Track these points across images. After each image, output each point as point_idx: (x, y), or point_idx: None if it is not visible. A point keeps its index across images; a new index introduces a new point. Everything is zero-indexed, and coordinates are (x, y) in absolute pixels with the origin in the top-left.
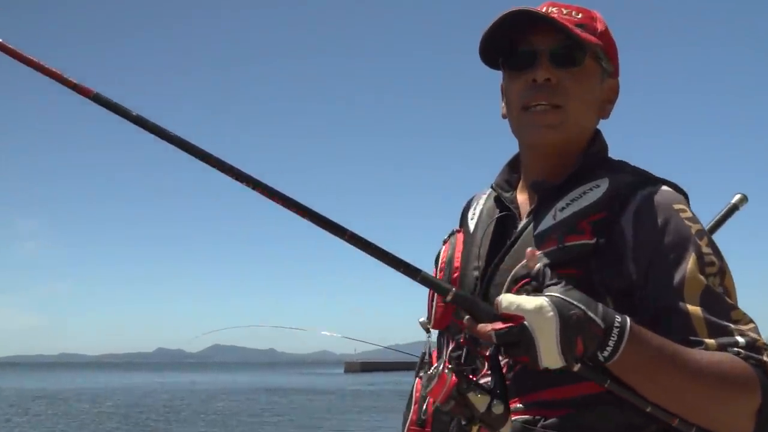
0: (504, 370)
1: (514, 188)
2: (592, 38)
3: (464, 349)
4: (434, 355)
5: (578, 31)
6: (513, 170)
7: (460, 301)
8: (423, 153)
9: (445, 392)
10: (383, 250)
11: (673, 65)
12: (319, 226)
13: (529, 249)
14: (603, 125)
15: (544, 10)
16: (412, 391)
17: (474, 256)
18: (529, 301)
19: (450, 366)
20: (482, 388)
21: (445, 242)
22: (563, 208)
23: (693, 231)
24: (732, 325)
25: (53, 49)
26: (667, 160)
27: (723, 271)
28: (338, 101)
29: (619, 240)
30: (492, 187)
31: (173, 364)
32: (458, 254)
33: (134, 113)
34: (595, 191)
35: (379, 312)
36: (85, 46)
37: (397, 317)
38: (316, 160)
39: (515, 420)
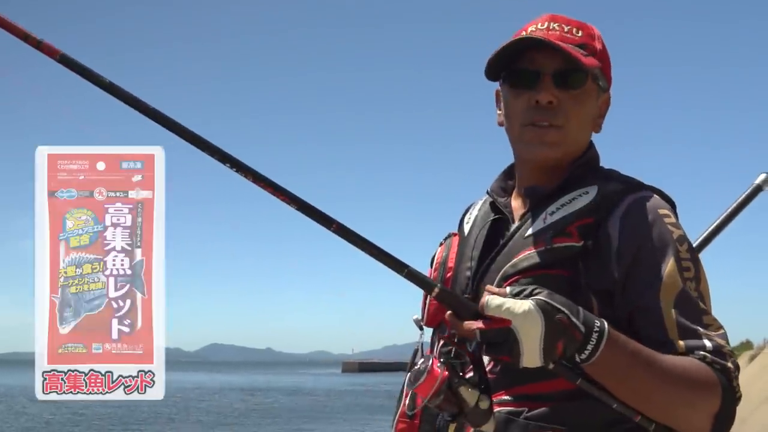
0: (491, 365)
1: (509, 194)
2: (594, 61)
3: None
4: (428, 352)
5: (580, 54)
6: (508, 177)
7: (444, 297)
8: (422, 159)
9: (436, 387)
10: (370, 242)
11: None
12: (305, 214)
13: (488, 286)
14: (597, 136)
15: (545, 25)
16: (403, 387)
17: (467, 257)
18: (516, 305)
19: (442, 360)
20: (471, 383)
21: (441, 244)
22: (553, 213)
23: (675, 236)
24: (702, 329)
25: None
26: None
27: (699, 277)
28: (338, 109)
29: (605, 243)
30: (488, 193)
31: (169, 362)
32: (452, 255)
33: (107, 79)
34: (584, 197)
35: (378, 312)
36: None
37: (395, 317)
38: (315, 166)
39: (500, 411)
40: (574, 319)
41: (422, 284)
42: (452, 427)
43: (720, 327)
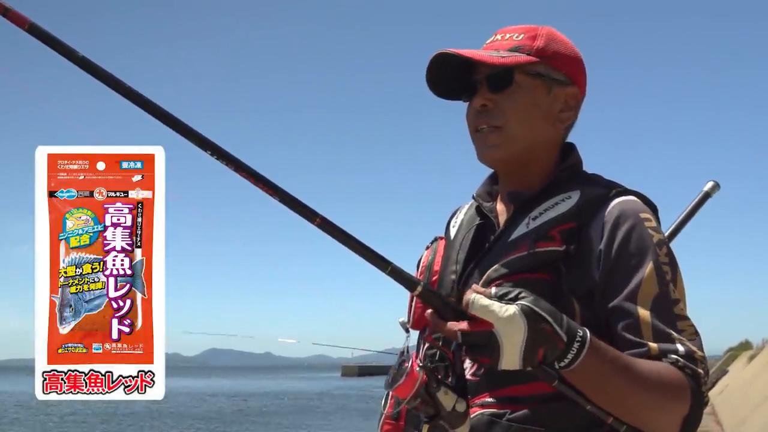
0: (474, 368)
1: (495, 199)
2: (519, 58)
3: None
4: (414, 354)
5: (496, 57)
6: (494, 182)
7: (427, 296)
8: (409, 163)
9: (414, 390)
10: (354, 238)
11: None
12: (289, 207)
13: (473, 285)
14: (582, 140)
15: (491, 38)
16: None
17: (452, 261)
18: (501, 309)
19: (421, 364)
20: (449, 387)
21: (427, 248)
22: (536, 217)
23: (654, 240)
24: (675, 334)
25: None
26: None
27: (676, 281)
28: (326, 111)
29: (587, 247)
30: (473, 197)
31: (168, 367)
32: (438, 259)
33: (79, 53)
34: (566, 202)
35: (378, 314)
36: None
37: (395, 320)
38: (300, 168)
39: (483, 413)
40: (557, 328)
41: (405, 282)
42: (426, 428)
43: (695, 333)
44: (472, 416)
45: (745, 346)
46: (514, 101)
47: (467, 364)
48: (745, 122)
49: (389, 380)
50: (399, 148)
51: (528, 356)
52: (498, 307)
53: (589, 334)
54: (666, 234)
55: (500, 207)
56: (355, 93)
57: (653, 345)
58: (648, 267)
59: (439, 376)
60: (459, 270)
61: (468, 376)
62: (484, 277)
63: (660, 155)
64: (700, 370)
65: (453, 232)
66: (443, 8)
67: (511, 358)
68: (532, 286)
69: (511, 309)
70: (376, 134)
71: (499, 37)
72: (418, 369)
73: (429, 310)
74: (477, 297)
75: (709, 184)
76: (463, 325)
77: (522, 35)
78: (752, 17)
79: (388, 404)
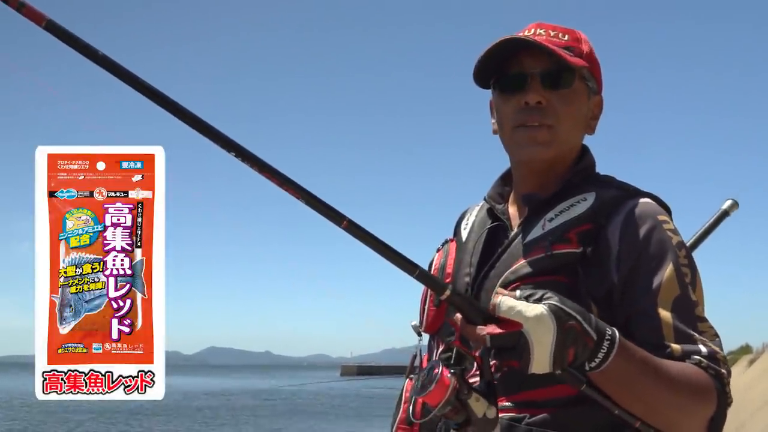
0: (492, 370)
1: (506, 201)
2: (580, 61)
3: (454, 351)
4: (425, 358)
5: (566, 54)
6: (505, 184)
7: (456, 300)
8: (416, 164)
9: (447, 397)
10: (382, 242)
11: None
12: (315, 210)
13: (498, 288)
14: (595, 141)
15: (531, 31)
16: (401, 392)
17: (465, 263)
18: (529, 309)
19: (453, 371)
20: (480, 393)
21: (438, 250)
22: (552, 219)
23: (674, 242)
24: (697, 335)
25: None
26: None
27: (695, 284)
28: (334, 113)
29: (604, 249)
30: (485, 200)
31: (167, 366)
32: (450, 261)
33: (100, 52)
34: (582, 204)
35: (378, 315)
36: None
37: (395, 321)
38: (310, 169)
39: (502, 417)
40: (586, 326)
41: (433, 285)
42: None
43: (715, 334)
44: None
45: (745, 349)
46: (569, 103)
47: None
48: (745, 126)
49: (418, 386)
50: (400, 149)
51: (558, 357)
52: (525, 306)
53: (618, 334)
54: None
55: (512, 209)
56: (355, 93)
57: (676, 346)
58: (668, 269)
59: (470, 382)
60: (473, 273)
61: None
62: (501, 279)
63: (668, 159)
64: (723, 371)
65: (464, 234)
66: (448, 9)
67: (541, 360)
68: (550, 289)
69: (539, 308)
70: (379, 135)
71: (541, 32)
72: (449, 375)
73: (457, 314)
74: (504, 299)
75: (728, 203)
76: (493, 328)
77: (567, 36)
78: (752, 18)
79: (401, 409)
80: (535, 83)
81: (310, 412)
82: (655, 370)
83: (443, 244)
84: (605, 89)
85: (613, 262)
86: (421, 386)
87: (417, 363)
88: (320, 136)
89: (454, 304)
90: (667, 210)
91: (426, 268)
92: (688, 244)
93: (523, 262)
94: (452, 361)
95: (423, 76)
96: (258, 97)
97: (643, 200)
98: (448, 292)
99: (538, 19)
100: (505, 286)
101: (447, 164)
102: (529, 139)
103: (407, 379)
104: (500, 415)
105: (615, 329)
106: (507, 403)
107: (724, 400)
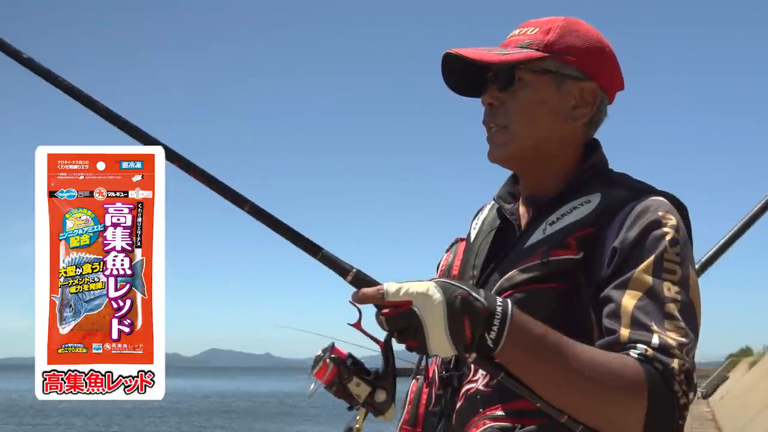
0: (487, 378)
1: (517, 200)
2: (519, 55)
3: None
4: (434, 360)
5: (495, 55)
6: (515, 182)
7: (360, 283)
8: (428, 164)
9: (326, 378)
10: (284, 224)
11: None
12: (219, 194)
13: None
14: (610, 139)
15: (514, 32)
16: (407, 393)
17: (470, 265)
18: (415, 286)
19: (333, 357)
20: (364, 379)
21: (447, 250)
22: (553, 223)
23: (668, 237)
24: (656, 327)
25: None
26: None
27: (687, 283)
28: (342, 116)
29: (600, 250)
30: (494, 199)
31: (167, 368)
32: (457, 262)
33: (25, 54)
34: (585, 206)
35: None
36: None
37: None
38: (314, 170)
39: (493, 426)
40: (474, 294)
41: (336, 268)
42: (363, 413)
43: (684, 336)
44: (480, 429)
45: (746, 352)
46: (518, 99)
47: (480, 374)
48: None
49: (313, 364)
50: (402, 150)
51: (454, 330)
52: (411, 284)
53: (509, 302)
54: (723, 241)
55: (522, 208)
56: (358, 95)
57: (624, 331)
58: (648, 260)
59: (353, 367)
60: (477, 275)
61: (481, 387)
62: (496, 286)
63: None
64: (674, 365)
65: (473, 234)
66: (452, 9)
67: (438, 338)
68: (542, 297)
69: (426, 283)
70: (394, 136)
71: (516, 32)
72: (329, 360)
73: (355, 292)
74: (388, 284)
75: None
76: (384, 310)
77: (537, 29)
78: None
79: (405, 410)
80: (491, 86)
81: (308, 414)
82: (557, 346)
83: (453, 244)
84: (627, 85)
85: (606, 258)
86: (311, 367)
87: (423, 365)
88: (323, 138)
89: (357, 286)
90: (682, 208)
91: (435, 268)
92: (727, 236)
93: (518, 269)
94: (452, 365)
95: (417, 74)
96: (250, 99)
97: (650, 197)
98: (352, 274)
99: (538, 18)
100: (500, 293)
101: (460, 163)
102: (488, 141)
103: (413, 380)
104: (492, 424)
105: (507, 299)
106: (500, 413)
107: (662, 396)
